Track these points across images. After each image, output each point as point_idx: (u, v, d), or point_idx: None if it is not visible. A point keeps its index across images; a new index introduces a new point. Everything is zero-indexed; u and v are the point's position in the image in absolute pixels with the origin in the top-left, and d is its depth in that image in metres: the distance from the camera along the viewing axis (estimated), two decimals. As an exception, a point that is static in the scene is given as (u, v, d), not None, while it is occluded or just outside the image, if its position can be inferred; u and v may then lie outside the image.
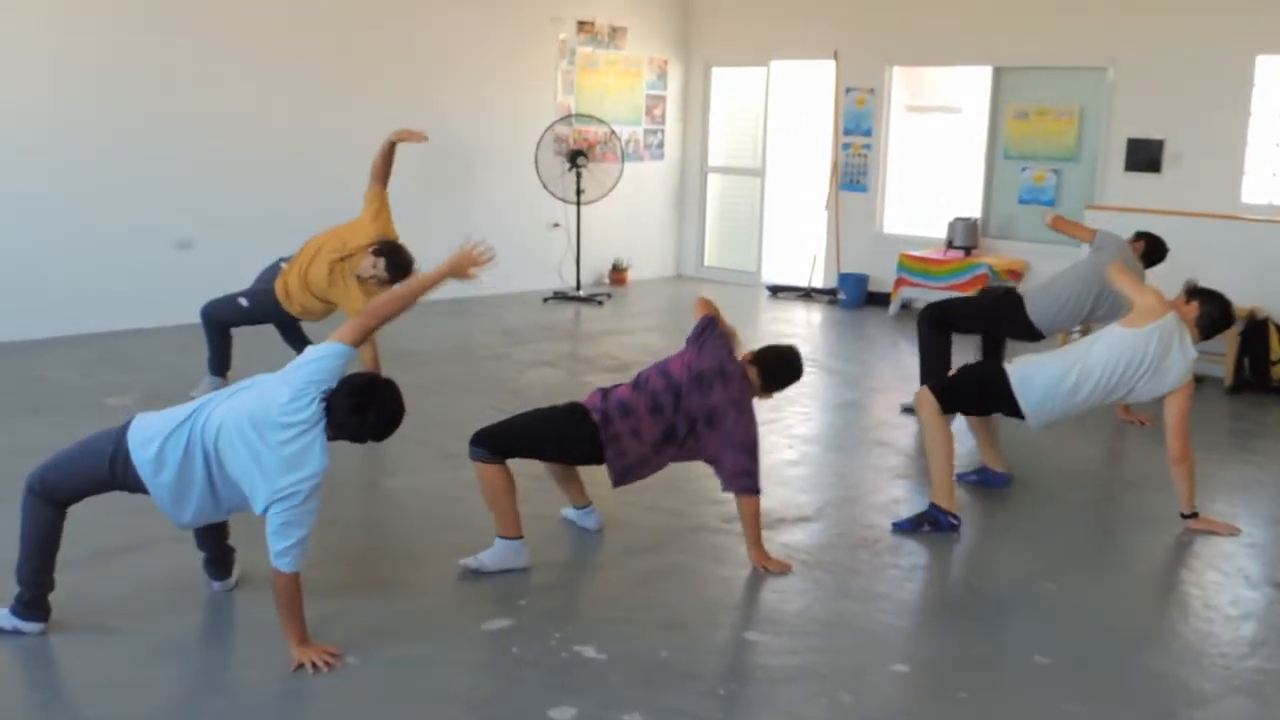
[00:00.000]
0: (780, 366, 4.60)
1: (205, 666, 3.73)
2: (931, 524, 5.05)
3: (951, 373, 5.46)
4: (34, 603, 3.80)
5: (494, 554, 4.46)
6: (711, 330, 4.59)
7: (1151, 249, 6.78)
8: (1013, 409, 5.15)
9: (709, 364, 4.48)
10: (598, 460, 4.51)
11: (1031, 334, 6.69)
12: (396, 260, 6.39)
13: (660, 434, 4.45)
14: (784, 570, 4.54)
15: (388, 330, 6.99)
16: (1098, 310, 6.54)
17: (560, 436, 4.52)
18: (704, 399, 4.43)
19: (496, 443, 4.43)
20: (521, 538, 4.48)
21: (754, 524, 4.56)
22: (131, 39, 8.37)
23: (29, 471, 3.76)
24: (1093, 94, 9.67)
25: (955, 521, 5.07)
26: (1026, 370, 5.14)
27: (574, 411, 4.54)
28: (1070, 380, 5.04)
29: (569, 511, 5.00)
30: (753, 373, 4.53)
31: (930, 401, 5.17)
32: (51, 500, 3.73)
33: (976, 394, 5.34)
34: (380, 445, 6.20)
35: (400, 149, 6.77)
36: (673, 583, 4.42)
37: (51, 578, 3.82)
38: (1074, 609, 4.41)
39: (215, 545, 4.16)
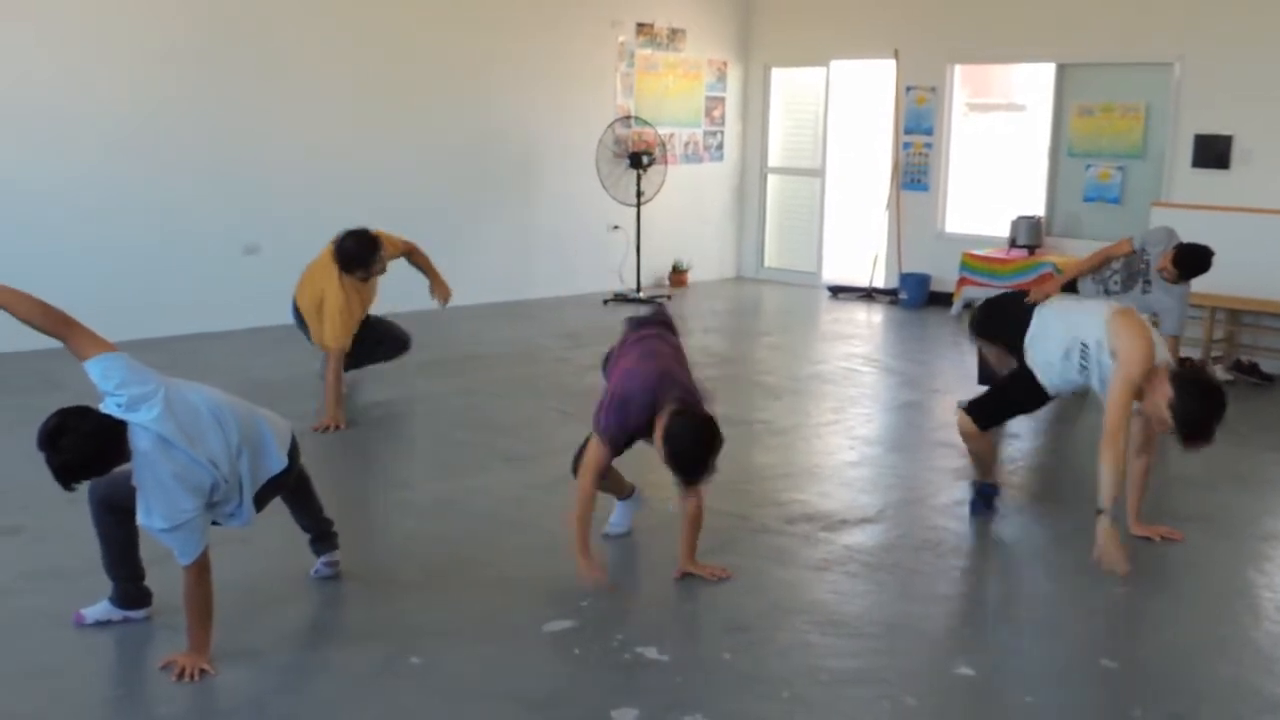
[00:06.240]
0: None
1: (273, 666, 3.78)
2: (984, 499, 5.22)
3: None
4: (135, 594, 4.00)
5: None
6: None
7: (1188, 262, 6.43)
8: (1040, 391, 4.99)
9: None
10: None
11: None
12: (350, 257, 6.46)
13: None
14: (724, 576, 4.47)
15: (454, 334, 7.12)
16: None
17: None
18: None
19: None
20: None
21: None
22: (199, 47, 8.52)
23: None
24: (1159, 90, 9.51)
25: (993, 489, 5.24)
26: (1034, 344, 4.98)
27: None
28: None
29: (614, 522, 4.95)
30: None
31: (970, 425, 5.06)
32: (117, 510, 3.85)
33: (1008, 395, 5.16)
34: (444, 448, 6.37)
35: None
36: (735, 585, 4.41)
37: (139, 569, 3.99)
38: (1142, 613, 4.36)
39: (314, 522, 4.33)
